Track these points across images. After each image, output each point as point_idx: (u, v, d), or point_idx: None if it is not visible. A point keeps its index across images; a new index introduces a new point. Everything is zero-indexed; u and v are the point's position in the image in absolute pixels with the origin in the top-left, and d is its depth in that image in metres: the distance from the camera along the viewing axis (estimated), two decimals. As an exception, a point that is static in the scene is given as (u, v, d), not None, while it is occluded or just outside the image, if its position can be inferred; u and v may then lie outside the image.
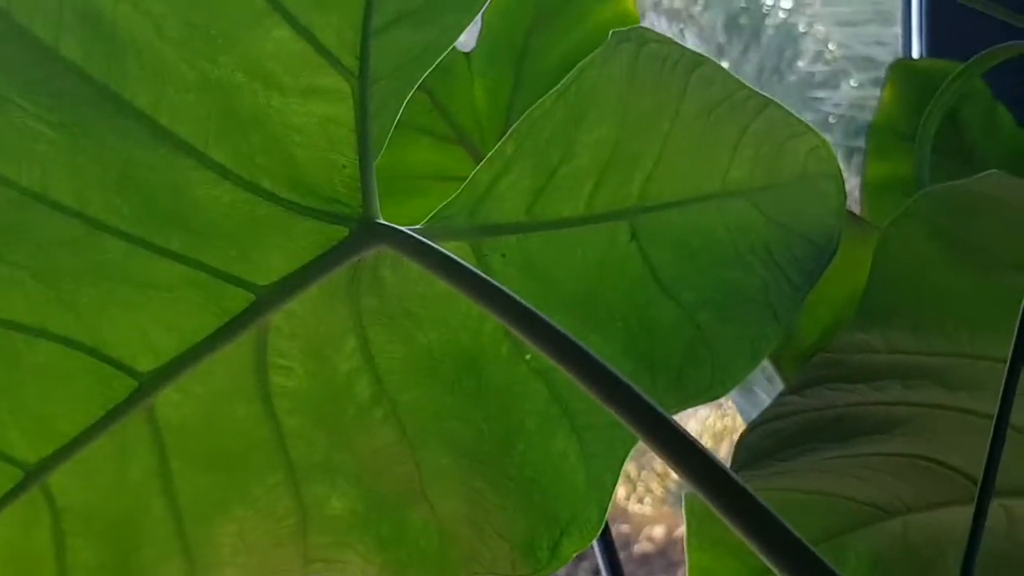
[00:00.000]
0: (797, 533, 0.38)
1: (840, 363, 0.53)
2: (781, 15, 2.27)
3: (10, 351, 0.49)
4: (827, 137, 0.57)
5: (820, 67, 2.23)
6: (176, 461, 0.51)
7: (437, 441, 0.54)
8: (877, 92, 0.97)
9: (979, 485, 0.44)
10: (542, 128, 0.54)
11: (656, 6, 2.25)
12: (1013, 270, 0.50)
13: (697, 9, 2.29)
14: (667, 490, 2.12)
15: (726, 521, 0.40)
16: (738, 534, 0.39)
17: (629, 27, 0.54)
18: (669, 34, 0.68)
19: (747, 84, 0.56)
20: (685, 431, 0.43)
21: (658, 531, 2.05)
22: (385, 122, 0.52)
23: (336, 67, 0.50)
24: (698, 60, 0.55)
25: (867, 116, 2.01)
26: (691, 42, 2.16)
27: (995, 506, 0.51)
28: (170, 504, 0.51)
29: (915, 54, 1.37)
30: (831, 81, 2.21)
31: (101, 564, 0.51)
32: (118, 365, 0.50)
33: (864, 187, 0.94)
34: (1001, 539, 0.52)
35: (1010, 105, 0.99)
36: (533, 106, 0.54)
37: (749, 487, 0.39)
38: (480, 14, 0.55)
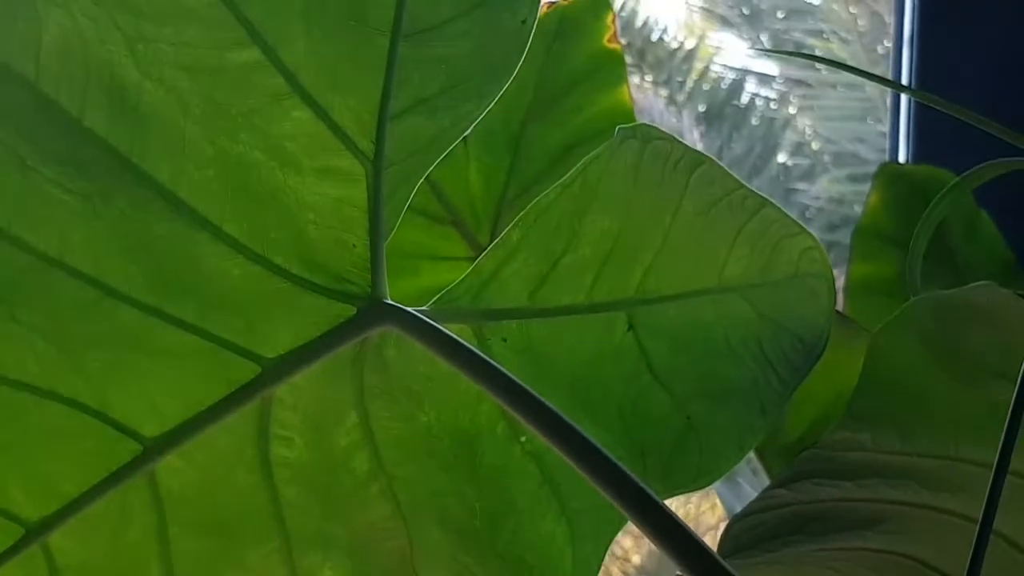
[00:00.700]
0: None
1: (827, 459, 0.54)
2: (765, 106, 2.30)
3: (18, 411, 0.50)
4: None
5: (800, 160, 2.26)
6: (175, 526, 0.52)
7: (430, 516, 0.55)
8: (855, 187, 1.00)
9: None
10: (548, 218, 0.55)
11: (639, 89, 2.29)
12: (1000, 379, 0.52)
13: (681, 98, 2.32)
14: (626, 574, 2.12)
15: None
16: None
17: (635, 124, 0.56)
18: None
19: (745, 184, 0.58)
20: (676, 515, 0.44)
21: (615, 618, 2.05)
22: (397, 205, 0.54)
23: (352, 149, 0.52)
24: (699, 159, 0.57)
25: (845, 210, 2.04)
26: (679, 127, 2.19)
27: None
28: (166, 568, 0.52)
29: (901, 156, 1.40)
30: (809, 174, 2.24)
31: (96, 624, 0.51)
32: (124, 429, 0.51)
33: (847, 288, 0.96)
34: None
35: (990, 211, 1.02)
36: (539, 196, 0.55)
37: (736, 573, 0.40)
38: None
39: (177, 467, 0.52)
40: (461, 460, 0.55)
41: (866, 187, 1.00)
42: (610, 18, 0.89)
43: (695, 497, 1.99)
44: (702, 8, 2.35)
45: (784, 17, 2.33)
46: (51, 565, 0.51)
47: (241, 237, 0.51)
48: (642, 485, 0.46)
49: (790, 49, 2.33)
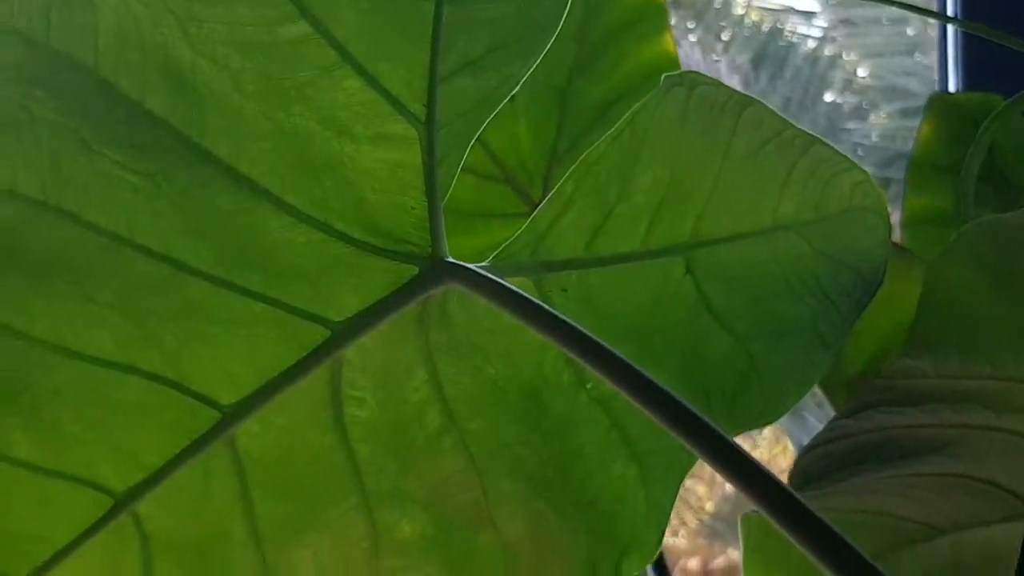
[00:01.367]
0: (859, 548, 0.40)
1: (890, 388, 0.55)
2: (810, 44, 2.28)
3: (100, 387, 0.51)
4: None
5: (849, 98, 2.24)
6: (256, 489, 0.53)
7: (502, 467, 0.56)
8: (906, 123, 0.99)
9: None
10: (599, 169, 0.56)
11: (684, 36, 2.27)
12: (1056, 299, 0.53)
13: (724, 41, 2.31)
14: (701, 523, 2.13)
15: (788, 537, 0.42)
16: (800, 549, 0.42)
17: (680, 72, 0.57)
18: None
19: (793, 123, 0.58)
20: (747, 452, 0.45)
21: (693, 563, 2.06)
22: (451, 166, 0.55)
23: (404, 114, 0.53)
24: (746, 101, 0.57)
25: (898, 146, 2.03)
26: (718, 74, 2.18)
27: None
28: (251, 529, 0.53)
29: (951, 86, 1.39)
30: (859, 112, 2.22)
31: (187, 587, 0.53)
32: (202, 398, 0.52)
33: (904, 219, 0.95)
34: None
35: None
36: (589, 149, 0.56)
37: (811, 505, 0.41)
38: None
39: (255, 432, 0.53)
40: (529, 410, 0.56)
41: (917, 122, 1.00)
42: (648, -34, 0.89)
43: (766, 440, 2.00)
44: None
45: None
46: (141, 532, 0.52)
47: (302, 206, 0.53)
48: (710, 423, 0.47)
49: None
